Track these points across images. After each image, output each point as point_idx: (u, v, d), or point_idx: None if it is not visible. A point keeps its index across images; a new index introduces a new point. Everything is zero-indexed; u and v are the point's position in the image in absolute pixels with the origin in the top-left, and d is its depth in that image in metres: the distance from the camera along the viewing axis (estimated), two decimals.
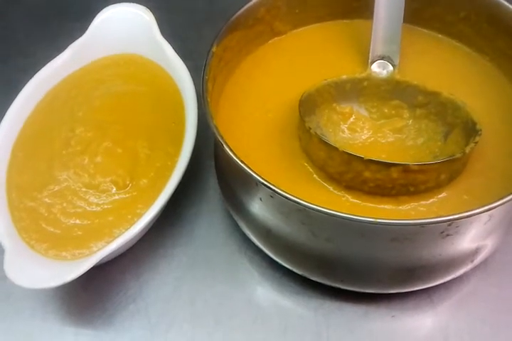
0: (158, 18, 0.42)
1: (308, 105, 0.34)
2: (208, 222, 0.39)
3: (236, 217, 0.35)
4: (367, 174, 0.31)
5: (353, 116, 0.36)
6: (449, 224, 0.28)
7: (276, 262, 0.35)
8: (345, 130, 0.36)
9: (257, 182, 0.28)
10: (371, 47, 0.36)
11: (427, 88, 0.35)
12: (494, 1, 0.36)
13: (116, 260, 0.35)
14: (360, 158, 0.30)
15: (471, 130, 0.32)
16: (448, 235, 0.29)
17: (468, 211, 0.27)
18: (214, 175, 0.38)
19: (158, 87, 0.41)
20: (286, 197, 0.27)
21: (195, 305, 0.35)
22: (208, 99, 0.32)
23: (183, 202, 0.40)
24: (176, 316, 0.35)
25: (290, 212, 0.30)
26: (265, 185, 0.28)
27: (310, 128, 0.32)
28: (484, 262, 0.35)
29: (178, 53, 0.40)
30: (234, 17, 0.36)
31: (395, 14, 0.35)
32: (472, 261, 0.33)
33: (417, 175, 0.30)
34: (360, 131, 0.36)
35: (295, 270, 0.34)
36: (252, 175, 0.28)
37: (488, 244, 0.33)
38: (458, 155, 0.31)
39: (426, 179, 0.31)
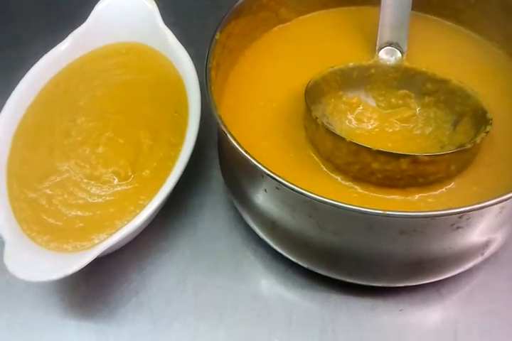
0: (161, 5, 0.41)
1: (314, 94, 0.33)
2: (212, 214, 0.38)
3: (240, 209, 0.35)
4: (375, 165, 0.30)
5: (361, 107, 0.35)
6: (460, 217, 0.27)
7: (281, 255, 0.34)
8: (352, 120, 0.35)
9: (263, 174, 0.28)
10: (379, 33, 0.35)
11: (436, 75, 0.34)
12: None
13: (118, 252, 0.35)
14: (369, 149, 0.30)
15: (480, 119, 0.32)
16: (458, 227, 0.28)
17: (481, 203, 0.26)
18: (217, 165, 0.37)
19: (161, 76, 0.40)
20: (293, 189, 0.27)
21: (199, 298, 0.35)
22: (212, 88, 0.31)
23: (187, 193, 0.39)
24: (179, 309, 0.34)
25: (296, 204, 0.29)
26: (271, 177, 0.27)
27: (317, 118, 0.31)
28: (494, 254, 0.34)
29: (181, 41, 0.40)
30: (238, 3, 0.35)
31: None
32: (482, 254, 0.32)
33: (426, 166, 0.30)
34: (367, 121, 0.35)
35: (300, 263, 0.33)
36: (257, 166, 0.28)
37: (499, 237, 0.32)
38: (468, 146, 0.30)
39: (435, 170, 0.30)
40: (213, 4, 0.47)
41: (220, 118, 0.30)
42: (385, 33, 0.35)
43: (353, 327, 0.33)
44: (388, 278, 0.32)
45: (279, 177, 0.27)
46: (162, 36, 0.40)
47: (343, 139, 0.30)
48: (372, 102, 0.35)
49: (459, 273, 0.33)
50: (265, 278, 0.36)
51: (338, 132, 0.31)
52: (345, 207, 0.26)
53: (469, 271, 0.34)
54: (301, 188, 0.27)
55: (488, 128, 0.31)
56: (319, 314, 0.34)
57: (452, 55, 0.37)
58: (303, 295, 0.35)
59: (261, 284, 0.35)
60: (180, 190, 0.38)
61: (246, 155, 0.28)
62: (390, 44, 0.35)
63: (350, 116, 0.35)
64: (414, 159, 0.29)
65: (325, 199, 0.26)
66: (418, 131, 0.34)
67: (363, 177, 0.31)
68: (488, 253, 0.32)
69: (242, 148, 0.28)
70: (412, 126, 0.34)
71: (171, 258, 0.36)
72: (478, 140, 0.30)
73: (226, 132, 0.29)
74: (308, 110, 0.32)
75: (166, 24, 0.40)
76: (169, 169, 0.34)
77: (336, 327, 0.33)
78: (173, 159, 0.35)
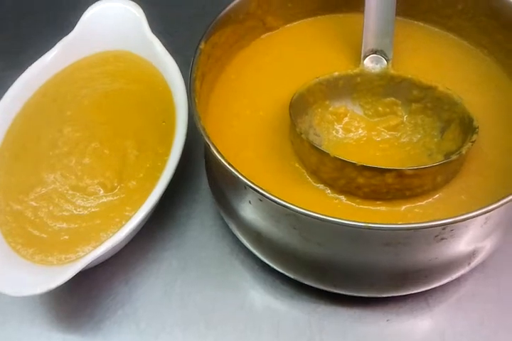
0: (150, 13, 0.41)
1: (300, 105, 0.33)
2: (200, 224, 0.38)
3: (227, 220, 0.35)
4: (360, 180, 0.30)
5: (348, 116, 0.35)
6: (444, 228, 0.27)
7: (269, 265, 0.34)
8: (340, 130, 0.35)
9: (245, 186, 0.27)
10: (363, 40, 0.35)
11: (422, 82, 0.34)
12: None
13: (104, 264, 0.35)
14: (353, 164, 0.29)
15: (467, 126, 0.32)
16: (443, 239, 0.28)
17: (463, 214, 0.26)
18: (205, 174, 0.37)
19: (148, 85, 0.40)
20: (275, 201, 0.27)
21: (186, 310, 0.35)
22: (196, 99, 0.31)
23: (174, 203, 0.39)
24: (165, 321, 0.34)
25: (280, 216, 0.29)
26: (253, 189, 0.27)
27: (301, 133, 0.31)
28: (482, 264, 0.34)
29: (169, 49, 0.40)
30: (223, 12, 0.35)
31: (387, 5, 0.34)
32: (469, 264, 0.32)
33: (412, 179, 0.30)
34: (354, 131, 0.35)
35: (287, 274, 0.33)
36: (239, 178, 0.27)
37: (487, 246, 0.32)
38: (454, 157, 0.30)
39: (422, 183, 0.30)
40: (201, 12, 0.47)
41: (204, 129, 0.29)
42: (369, 40, 0.35)
43: (340, 338, 0.33)
44: (374, 289, 0.32)
45: (261, 189, 0.27)
46: (150, 45, 0.40)
47: (327, 154, 0.30)
48: (359, 111, 0.35)
49: (446, 283, 0.33)
50: (253, 289, 0.36)
51: (323, 146, 0.31)
52: (328, 219, 0.26)
53: (457, 281, 0.34)
54: (283, 201, 0.27)
55: (474, 137, 0.31)
56: (307, 324, 0.34)
57: (439, 62, 0.37)
58: (291, 306, 0.35)
59: (249, 294, 0.35)
60: (167, 201, 0.38)
61: (229, 167, 0.28)
62: (375, 52, 0.35)
63: (337, 126, 0.35)
64: (399, 173, 0.29)
65: (307, 212, 0.26)
66: (406, 139, 0.34)
67: (349, 191, 0.31)
68: (475, 263, 0.32)
69: (225, 160, 0.28)
70: (400, 133, 0.34)
71: (158, 269, 0.36)
72: (463, 151, 0.30)
73: (209, 144, 0.29)
74: (293, 125, 0.32)
75: (154, 32, 0.40)
76: (156, 179, 0.34)
77: (324, 338, 0.33)
78: (160, 169, 0.35)
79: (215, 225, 0.38)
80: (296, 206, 0.26)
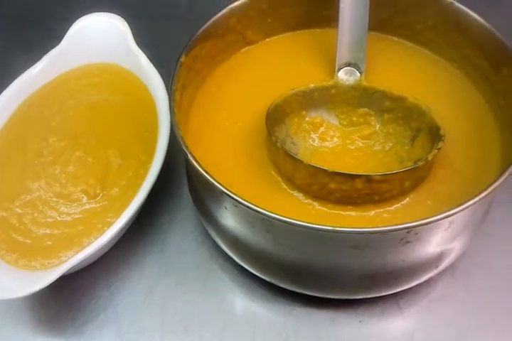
0: (136, 26, 0.42)
1: (277, 115, 0.35)
2: (181, 230, 0.39)
3: (206, 225, 0.36)
4: (332, 185, 0.31)
5: (324, 126, 0.36)
6: (408, 232, 0.28)
7: (247, 269, 0.35)
8: (316, 138, 0.36)
9: (221, 192, 0.29)
10: (337, 54, 0.36)
11: (394, 93, 0.35)
12: (461, 10, 0.36)
13: (87, 269, 0.35)
14: (325, 171, 0.31)
15: (436, 135, 0.33)
16: (408, 242, 0.29)
17: (426, 218, 0.27)
18: (187, 183, 0.38)
19: (133, 96, 0.41)
20: (248, 207, 0.28)
21: (166, 314, 0.35)
22: (175, 110, 0.32)
23: (157, 209, 0.40)
24: (146, 325, 0.35)
25: (254, 220, 0.30)
26: (228, 195, 0.28)
27: (276, 142, 0.32)
28: (451, 266, 0.35)
29: (154, 62, 0.41)
30: (203, 27, 0.36)
31: (359, 21, 0.35)
32: (437, 267, 0.33)
33: (381, 184, 0.31)
34: (330, 140, 0.36)
35: (263, 277, 0.34)
36: (214, 184, 0.29)
37: (454, 249, 0.33)
38: (420, 163, 0.31)
39: (390, 187, 0.31)
40: (187, 26, 0.48)
41: (182, 138, 0.31)
42: (343, 54, 0.36)
43: (314, 339, 0.34)
44: (345, 291, 0.33)
45: (235, 195, 0.28)
46: (135, 57, 0.41)
47: (301, 162, 0.31)
48: (334, 121, 0.37)
49: (416, 285, 0.34)
50: (232, 292, 0.37)
51: (299, 154, 0.32)
52: (297, 223, 0.27)
53: (427, 283, 0.35)
54: (256, 206, 0.28)
55: (440, 144, 0.32)
56: (282, 326, 0.35)
57: (410, 74, 0.38)
58: (267, 308, 0.36)
59: (227, 298, 0.36)
60: (149, 207, 0.39)
61: (205, 174, 0.29)
62: (348, 64, 0.37)
63: (313, 135, 0.36)
64: (368, 178, 0.30)
65: (279, 217, 0.27)
66: (379, 147, 0.35)
67: (322, 196, 0.32)
68: (443, 265, 0.33)
69: (201, 167, 0.29)
70: (373, 142, 0.36)
71: (140, 274, 0.37)
72: (430, 157, 0.32)
73: (187, 152, 0.30)
74: (269, 134, 0.33)
75: (139, 45, 0.41)
76: (138, 187, 0.35)
77: (299, 339, 0.34)
78: (142, 177, 0.36)
79: (196, 231, 0.39)
80: (268, 211, 0.27)
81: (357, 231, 0.27)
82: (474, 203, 0.28)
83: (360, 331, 0.35)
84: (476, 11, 0.36)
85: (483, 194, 0.28)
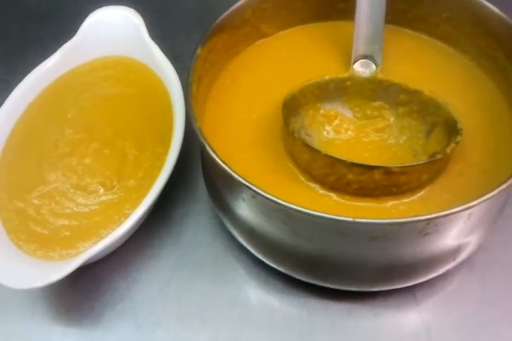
0: (149, 20, 0.42)
1: (292, 106, 0.35)
2: (196, 222, 0.39)
3: (222, 217, 0.36)
4: (350, 176, 0.31)
5: (338, 118, 0.36)
6: (428, 223, 0.28)
7: (262, 260, 0.35)
8: (330, 131, 0.36)
9: (239, 183, 0.29)
10: (353, 46, 0.36)
11: (409, 86, 0.35)
12: (476, 2, 0.36)
13: (104, 260, 0.36)
14: (343, 161, 0.31)
15: (452, 129, 0.33)
16: (427, 234, 0.29)
17: (446, 210, 0.27)
18: (202, 175, 0.39)
19: (147, 89, 0.41)
20: (267, 198, 0.28)
21: (182, 305, 0.36)
22: (192, 102, 0.32)
23: (172, 202, 0.40)
24: (162, 315, 0.35)
25: (271, 212, 0.30)
26: (246, 186, 0.28)
27: (293, 132, 0.32)
28: (468, 259, 0.35)
29: (167, 55, 0.41)
30: (219, 19, 0.36)
31: (376, 13, 0.35)
32: (455, 259, 0.33)
33: (399, 176, 0.31)
34: (344, 132, 0.36)
35: (279, 268, 0.34)
36: (233, 175, 0.29)
37: (472, 242, 0.33)
38: (439, 156, 0.31)
39: (408, 180, 0.31)
40: (200, 19, 0.48)
41: (200, 130, 0.31)
42: (359, 46, 0.36)
43: (329, 331, 0.34)
44: (362, 283, 0.33)
45: (254, 186, 0.28)
46: (148, 50, 0.41)
47: (318, 152, 0.31)
48: (348, 113, 0.37)
49: (433, 278, 0.34)
50: (247, 284, 0.37)
51: (314, 145, 0.32)
52: (315, 214, 0.27)
53: (444, 276, 0.35)
54: (275, 197, 0.28)
55: (458, 138, 0.32)
56: (298, 318, 0.35)
57: (426, 67, 0.38)
58: (282, 300, 0.36)
59: (242, 290, 0.36)
60: (165, 199, 0.39)
61: (223, 165, 0.29)
62: (364, 57, 0.37)
63: (328, 128, 0.36)
64: (386, 170, 0.30)
65: (297, 207, 0.27)
66: (393, 141, 0.35)
67: (339, 187, 0.32)
68: (461, 258, 0.33)
69: (219, 158, 0.29)
70: (387, 135, 0.36)
71: (156, 265, 0.37)
72: (448, 150, 0.32)
73: (205, 143, 0.30)
74: (286, 124, 0.33)
75: (153, 38, 0.42)
76: (154, 178, 0.35)
77: (313, 331, 0.34)
78: (158, 169, 0.36)
79: (210, 224, 0.39)
80: (286, 201, 0.27)
81: (377, 222, 0.27)
82: (494, 195, 0.27)
83: (375, 323, 0.35)
84: (491, 2, 0.36)
85: (504, 186, 0.28)
